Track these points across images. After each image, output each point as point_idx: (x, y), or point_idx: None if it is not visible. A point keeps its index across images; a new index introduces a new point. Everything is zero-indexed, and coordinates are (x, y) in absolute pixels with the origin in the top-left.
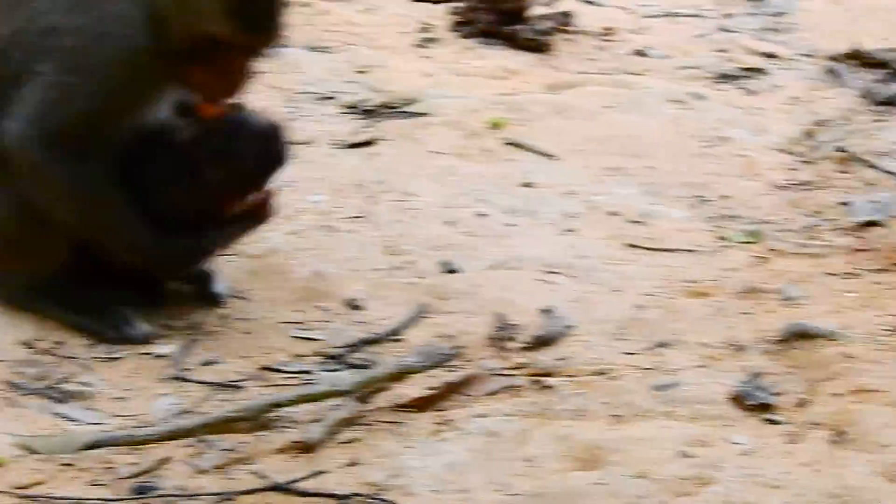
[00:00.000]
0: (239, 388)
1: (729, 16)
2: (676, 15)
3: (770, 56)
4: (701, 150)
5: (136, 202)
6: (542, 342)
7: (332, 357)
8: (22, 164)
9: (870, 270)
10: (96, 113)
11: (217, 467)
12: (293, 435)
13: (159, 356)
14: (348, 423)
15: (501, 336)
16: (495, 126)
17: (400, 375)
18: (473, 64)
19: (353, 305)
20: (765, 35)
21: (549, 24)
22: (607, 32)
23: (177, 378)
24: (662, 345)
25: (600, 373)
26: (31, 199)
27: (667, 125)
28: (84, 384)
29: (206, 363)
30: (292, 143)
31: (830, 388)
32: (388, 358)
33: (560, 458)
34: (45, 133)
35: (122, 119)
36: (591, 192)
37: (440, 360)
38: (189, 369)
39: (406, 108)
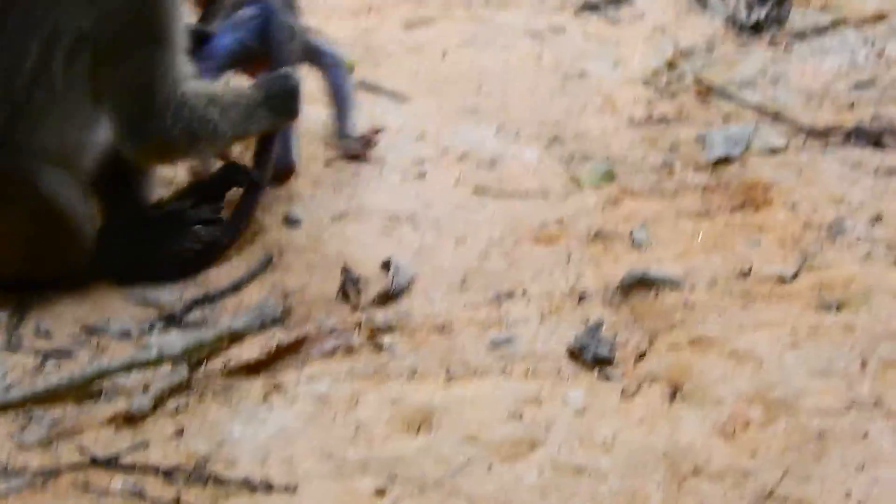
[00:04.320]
0: (69, 355)
1: None
2: None
3: None
4: (558, 87)
5: None
6: (382, 298)
7: (167, 319)
8: (179, 149)
9: (721, 210)
10: (178, 55)
11: (41, 442)
12: (121, 405)
13: None
14: (177, 390)
15: (344, 292)
16: (349, 67)
17: (231, 337)
18: (330, 0)
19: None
20: None
21: None
22: None
23: (7, 348)
24: (504, 296)
25: (438, 329)
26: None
27: (524, 61)
28: None
29: (38, 330)
30: None
31: (669, 338)
32: (222, 319)
33: (389, 422)
34: (171, 112)
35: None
36: (443, 135)
37: (272, 320)
38: (21, 336)
39: None
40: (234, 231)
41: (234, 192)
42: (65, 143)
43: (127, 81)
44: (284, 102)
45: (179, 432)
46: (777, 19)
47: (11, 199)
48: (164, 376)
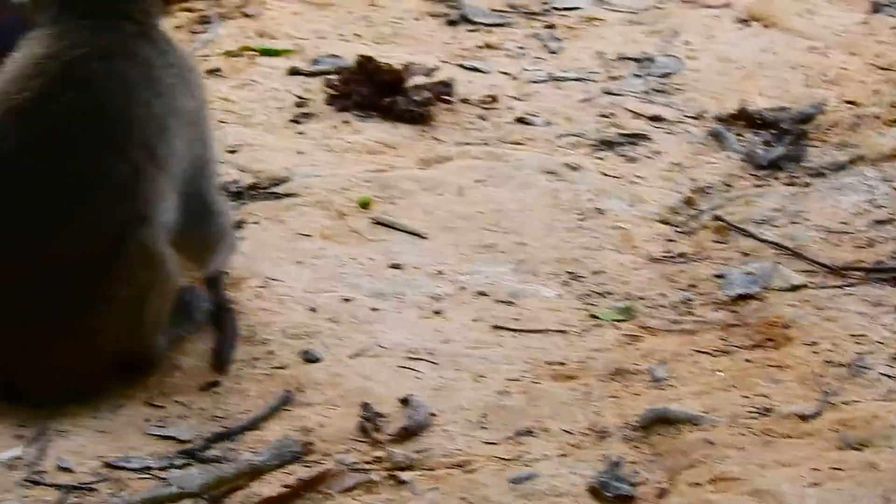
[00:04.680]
0: (92, 490)
1: (615, 78)
2: (562, 79)
3: (655, 119)
4: (575, 224)
5: None
6: (402, 434)
7: (186, 454)
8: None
9: (741, 347)
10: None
11: None
12: None
13: (12, 459)
14: None
15: (363, 428)
16: (363, 205)
17: (251, 474)
18: (348, 139)
19: (211, 398)
20: (651, 97)
21: (427, 95)
22: (489, 100)
23: (28, 482)
24: (524, 433)
25: (458, 465)
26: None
27: (540, 198)
28: None
29: (59, 465)
30: None
31: (690, 476)
32: (241, 454)
33: None
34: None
35: None
36: (460, 272)
37: (292, 456)
38: (42, 472)
39: (275, 189)
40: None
41: None
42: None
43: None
44: None
45: None
46: (794, 157)
47: (148, 269)
48: None
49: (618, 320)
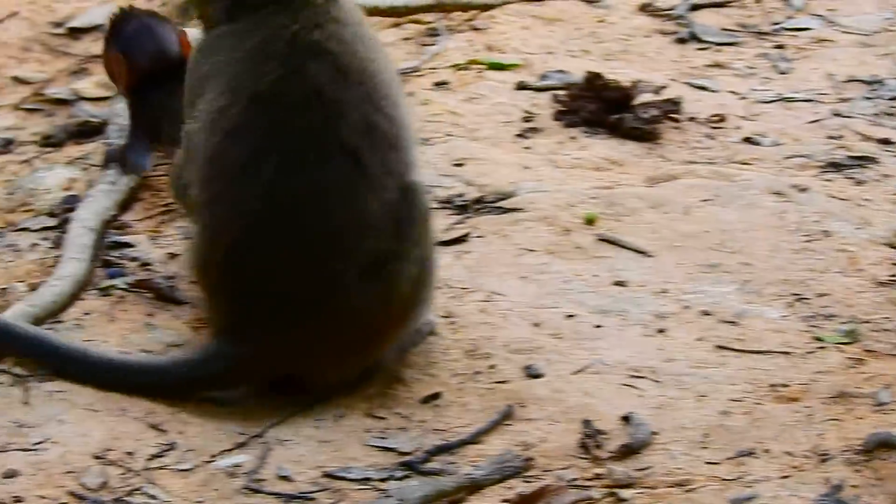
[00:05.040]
0: (310, 499)
1: (845, 100)
2: (791, 99)
3: (885, 142)
4: (801, 245)
5: None
6: (623, 452)
7: (406, 466)
8: None
9: None
10: None
11: None
12: None
13: (233, 465)
14: None
15: (584, 445)
16: (589, 222)
17: (470, 488)
18: (574, 155)
19: (432, 411)
20: (881, 120)
21: (655, 112)
22: (717, 119)
23: (248, 489)
24: (745, 454)
25: (679, 484)
26: None
27: (766, 219)
28: (152, 497)
29: (279, 473)
30: None
31: None
32: (461, 468)
33: None
34: None
35: None
36: (684, 291)
37: (512, 472)
38: (262, 480)
39: (500, 203)
40: None
41: None
42: None
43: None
44: None
45: None
46: None
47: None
48: None
49: (842, 343)
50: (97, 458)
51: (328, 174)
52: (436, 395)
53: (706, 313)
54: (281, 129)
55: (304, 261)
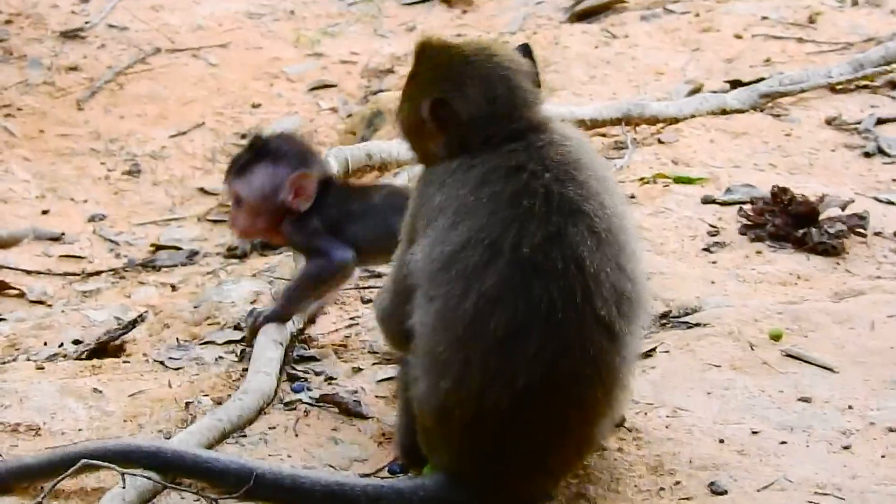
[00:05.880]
0: None
1: None
2: None
3: None
4: None
5: None
6: None
7: None
8: None
9: None
10: None
11: None
12: None
13: None
14: None
15: None
16: (775, 338)
17: None
18: (760, 269)
19: None
20: None
21: (841, 227)
22: None
23: None
24: None
25: None
26: None
27: None
28: None
29: None
30: None
31: None
32: None
33: None
34: None
35: None
36: (870, 407)
37: None
38: None
39: (686, 318)
40: None
41: None
42: None
43: None
44: None
45: None
46: None
47: None
48: None
49: None
50: None
51: (588, 348)
52: None
53: (892, 430)
54: (543, 299)
55: (561, 427)
